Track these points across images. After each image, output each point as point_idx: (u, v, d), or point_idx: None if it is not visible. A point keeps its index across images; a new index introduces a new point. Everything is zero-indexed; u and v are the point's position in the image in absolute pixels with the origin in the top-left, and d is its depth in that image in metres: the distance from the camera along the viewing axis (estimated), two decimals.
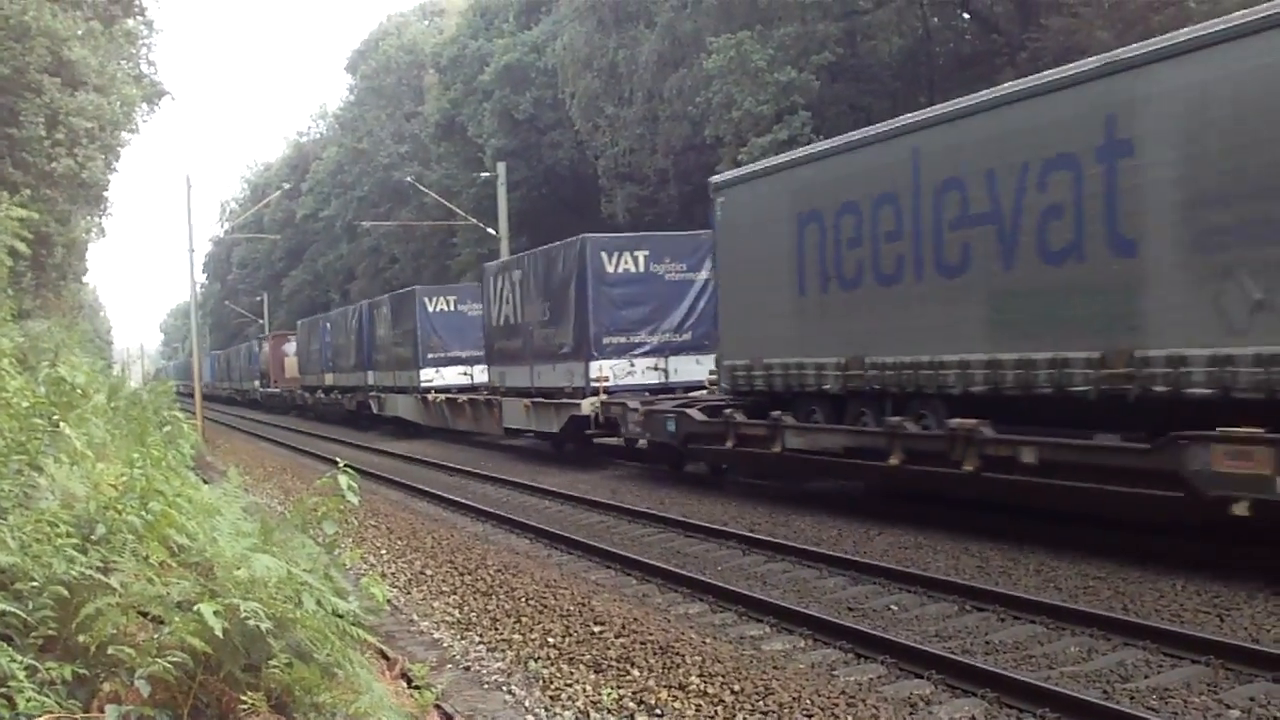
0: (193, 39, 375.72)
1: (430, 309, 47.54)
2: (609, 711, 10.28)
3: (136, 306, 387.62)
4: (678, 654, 11.65)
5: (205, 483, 11.03)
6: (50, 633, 6.33)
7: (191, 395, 57.30)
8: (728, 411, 24.20)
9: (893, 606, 13.89)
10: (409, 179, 72.87)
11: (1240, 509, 13.44)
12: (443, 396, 44.28)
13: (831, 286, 21.38)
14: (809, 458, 22.11)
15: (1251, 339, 13.54)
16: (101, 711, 5.83)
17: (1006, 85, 18.81)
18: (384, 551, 19.50)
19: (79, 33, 37.92)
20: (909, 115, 21.22)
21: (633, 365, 31.24)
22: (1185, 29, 15.51)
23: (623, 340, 31.29)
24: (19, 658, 5.82)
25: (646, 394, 29.86)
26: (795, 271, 22.16)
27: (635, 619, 13.29)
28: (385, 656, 10.63)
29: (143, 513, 7.23)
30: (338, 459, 9.66)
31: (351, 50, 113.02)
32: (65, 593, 6.43)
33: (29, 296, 37.47)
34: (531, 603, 14.60)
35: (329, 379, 63.57)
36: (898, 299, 19.65)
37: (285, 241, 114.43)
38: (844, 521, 19.81)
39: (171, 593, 6.56)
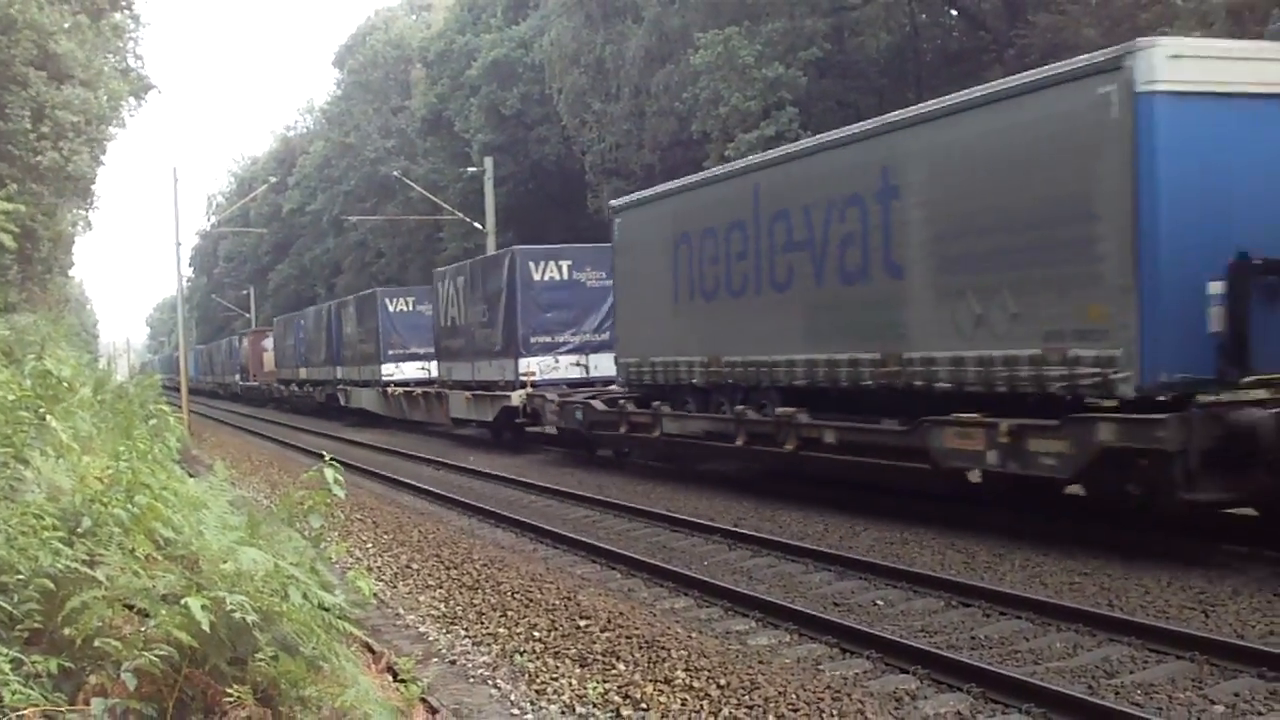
0: (180, 32, 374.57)
1: (391, 309, 51.24)
2: (594, 705, 10.28)
3: (123, 300, 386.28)
4: (663, 648, 11.66)
5: (191, 476, 11.01)
6: (36, 626, 6.33)
7: (178, 389, 57.28)
8: (622, 402, 29.03)
9: (879, 601, 13.91)
10: (396, 174, 72.73)
11: (973, 476, 18.20)
12: (400, 390, 48.34)
13: (697, 297, 25.69)
14: (682, 440, 26.50)
15: (975, 345, 17.54)
16: (87, 705, 5.83)
17: (822, 135, 23.60)
18: (370, 545, 19.48)
19: (65, 26, 37.87)
20: (755, 156, 26.91)
21: (557, 362, 35.14)
22: (933, 100, 20.62)
23: (548, 340, 35.25)
24: (5, 651, 5.82)
25: (565, 387, 33.67)
26: (672, 284, 26.49)
27: (621, 613, 13.30)
28: (371, 650, 10.62)
29: (129, 506, 7.22)
30: (323, 452, 9.66)
31: (339, 45, 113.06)
32: (51, 586, 6.43)
33: (15, 290, 37.46)
34: (517, 597, 14.61)
35: (302, 373, 67.33)
36: (744, 309, 23.85)
37: (271, 235, 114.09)
38: (830, 516, 19.83)
39: (157, 586, 6.55)
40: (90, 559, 6.73)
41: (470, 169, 61.06)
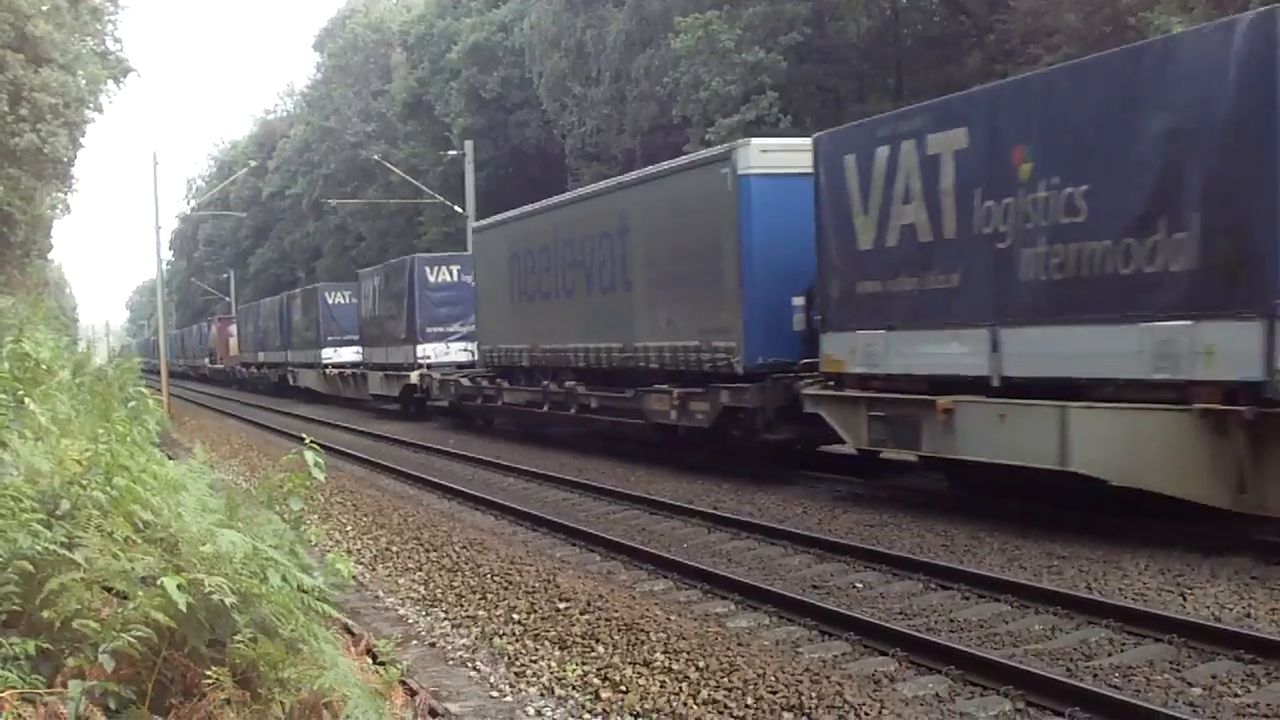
0: (159, 14, 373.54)
1: (330, 301, 57.92)
2: (574, 688, 10.30)
3: (103, 283, 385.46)
4: (642, 631, 11.68)
5: (171, 459, 11.00)
6: (14, 608, 6.32)
7: (156, 372, 57.50)
8: (481, 380, 37.39)
9: (857, 584, 13.94)
10: (376, 157, 72.61)
11: (667, 420, 25.60)
12: (335, 371, 55.55)
13: (524, 300, 34.01)
14: (515, 407, 35.06)
15: (667, 338, 25.33)
16: (65, 687, 5.81)
17: (589, 188, 33.98)
18: (350, 528, 19.48)
19: (44, 8, 37.71)
20: (555, 199, 35.66)
21: (448, 348, 42.82)
22: (650, 167, 29.85)
23: (440, 330, 43.07)
24: None
25: (453, 369, 41.53)
26: (509, 289, 34.95)
27: (600, 596, 13.32)
28: (350, 632, 10.62)
29: (107, 488, 7.20)
30: (304, 435, 9.65)
31: (319, 28, 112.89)
32: (29, 568, 6.41)
33: None
34: (497, 579, 14.62)
35: (260, 357, 74.44)
36: (550, 310, 32.14)
37: (251, 219, 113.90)
38: (809, 499, 19.89)
39: (136, 568, 6.55)
40: (69, 541, 6.71)
41: (450, 153, 61.05)
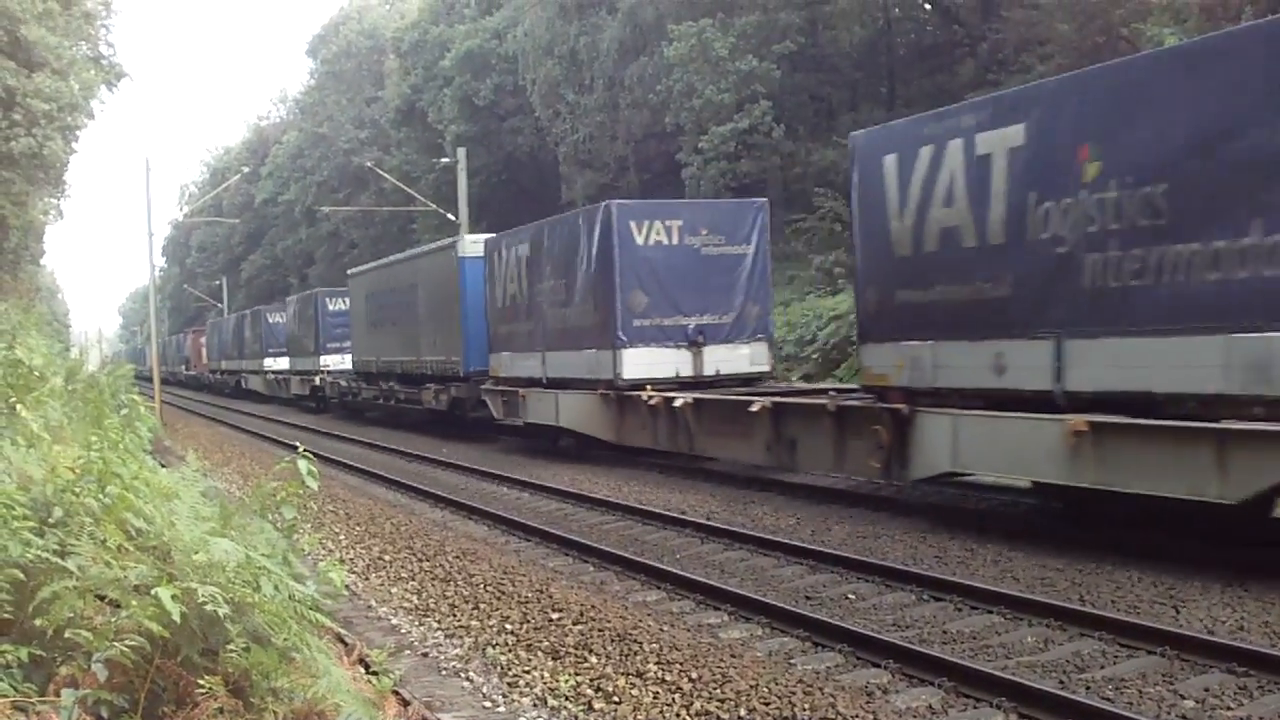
0: (152, 20, 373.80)
1: (270, 321, 70.37)
2: (566, 698, 10.29)
3: (95, 289, 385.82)
4: (635, 641, 11.67)
5: (163, 466, 10.98)
6: (6, 616, 6.31)
7: (148, 379, 57.82)
8: (352, 382, 51.14)
9: (850, 595, 13.92)
10: (369, 164, 72.53)
11: (440, 405, 39.13)
12: (273, 376, 68.90)
13: (373, 326, 47.17)
14: (371, 401, 48.06)
15: (432, 354, 38.71)
16: (58, 695, 5.80)
17: (402, 254, 47.78)
18: (343, 537, 19.45)
19: (37, 12, 37.63)
20: (388, 259, 49.19)
21: (343, 359, 54.11)
22: (425, 246, 48.94)
23: (338, 345, 55.18)
24: None
25: (346, 374, 53.15)
26: (365, 318, 48.43)
27: (593, 606, 13.31)
28: (343, 642, 10.61)
29: (100, 496, 7.20)
30: (297, 443, 9.63)
31: (312, 34, 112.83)
32: (22, 576, 6.40)
33: None
34: (490, 589, 14.60)
35: (223, 364, 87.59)
36: (385, 334, 45.15)
37: (244, 225, 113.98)
38: (802, 510, 19.86)
39: (129, 576, 6.53)
40: (61, 549, 6.71)
41: (443, 160, 61.02)
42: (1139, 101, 14.60)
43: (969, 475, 18.29)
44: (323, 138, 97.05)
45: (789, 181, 47.06)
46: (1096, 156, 14.86)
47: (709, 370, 26.96)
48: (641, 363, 26.64)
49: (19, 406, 10.12)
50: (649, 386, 26.00)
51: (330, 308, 56.77)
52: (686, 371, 26.85)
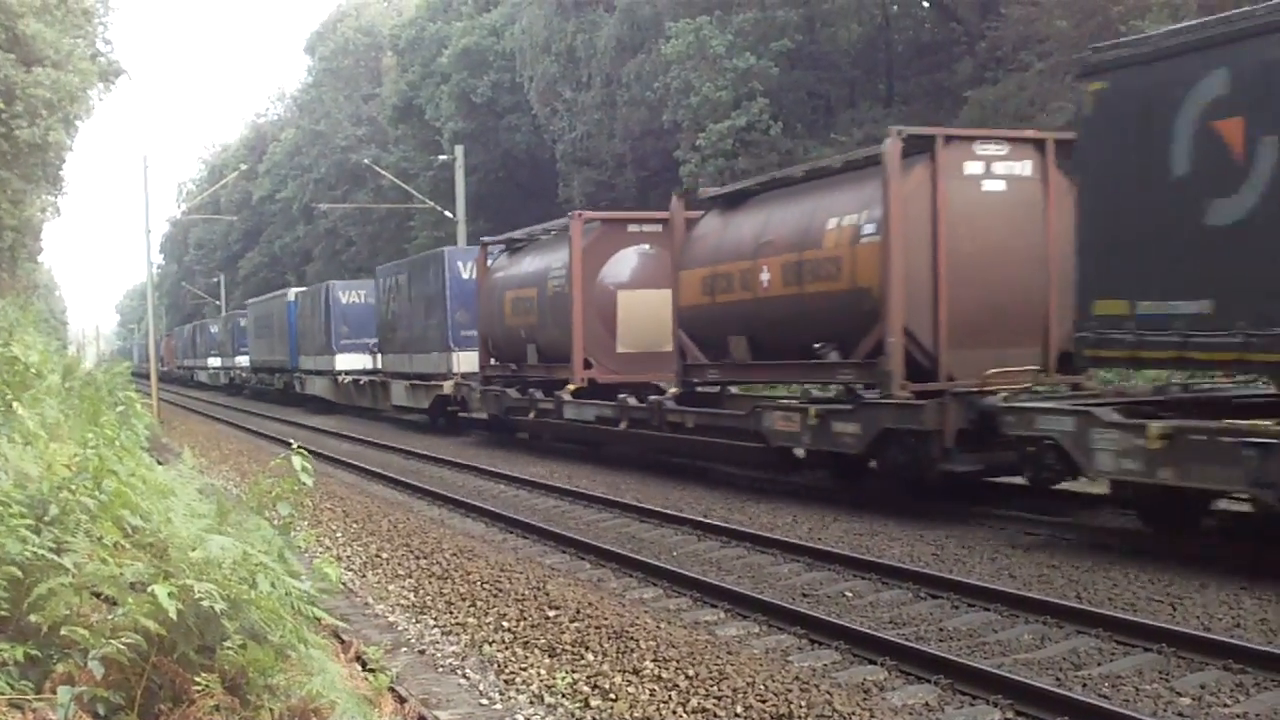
0: (150, 17, 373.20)
1: (212, 330, 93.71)
2: (563, 696, 10.28)
3: (93, 287, 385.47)
4: (632, 639, 11.66)
5: (160, 464, 10.98)
6: (2, 614, 6.29)
7: (144, 376, 58.22)
8: (253, 373, 69.80)
9: (847, 593, 13.92)
10: (366, 161, 72.67)
11: (315, 391, 56.22)
12: (216, 370, 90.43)
13: (261, 335, 64.07)
14: (260, 386, 67.04)
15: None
16: (54, 693, 5.79)
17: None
18: (339, 534, 19.44)
19: (34, 7, 37.63)
20: (294, 290, 64.13)
21: (245, 358, 68.35)
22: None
23: (245, 348, 71.75)
24: None
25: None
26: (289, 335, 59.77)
27: (590, 603, 13.30)
28: (340, 639, 10.61)
29: (96, 493, 7.19)
30: (291, 440, 9.63)
31: (310, 32, 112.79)
32: (18, 573, 6.39)
33: None
34: (486, 586, 14.59)
35: (186, 361, 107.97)
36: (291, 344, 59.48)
37: (242, 223, 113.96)
38: (799, 508, 19.86)
39: (125, 574, 6.52)
40: (57, 546, 6.69)
41: (441, 157, 61.08)
42: None
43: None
44: (320, 135, 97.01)
45: None
46: None
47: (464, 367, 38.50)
48: (465, 362, 38.10)
49: (15, 404, 10.11)
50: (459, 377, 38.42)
51: (241, 324, 78.35)
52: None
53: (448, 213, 54.63)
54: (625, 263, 29.32)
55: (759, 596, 13.43)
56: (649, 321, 28.16)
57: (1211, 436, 13.51)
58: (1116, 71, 15.42)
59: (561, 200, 58.84)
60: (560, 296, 29.54)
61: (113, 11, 55.82)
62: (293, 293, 62.13)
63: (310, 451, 9.29)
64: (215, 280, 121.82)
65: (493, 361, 34.76)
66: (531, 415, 30.77)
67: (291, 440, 11.02)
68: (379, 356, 47.78)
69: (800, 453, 21.36)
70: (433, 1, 76.11)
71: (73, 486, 7.32)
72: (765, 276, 21.91)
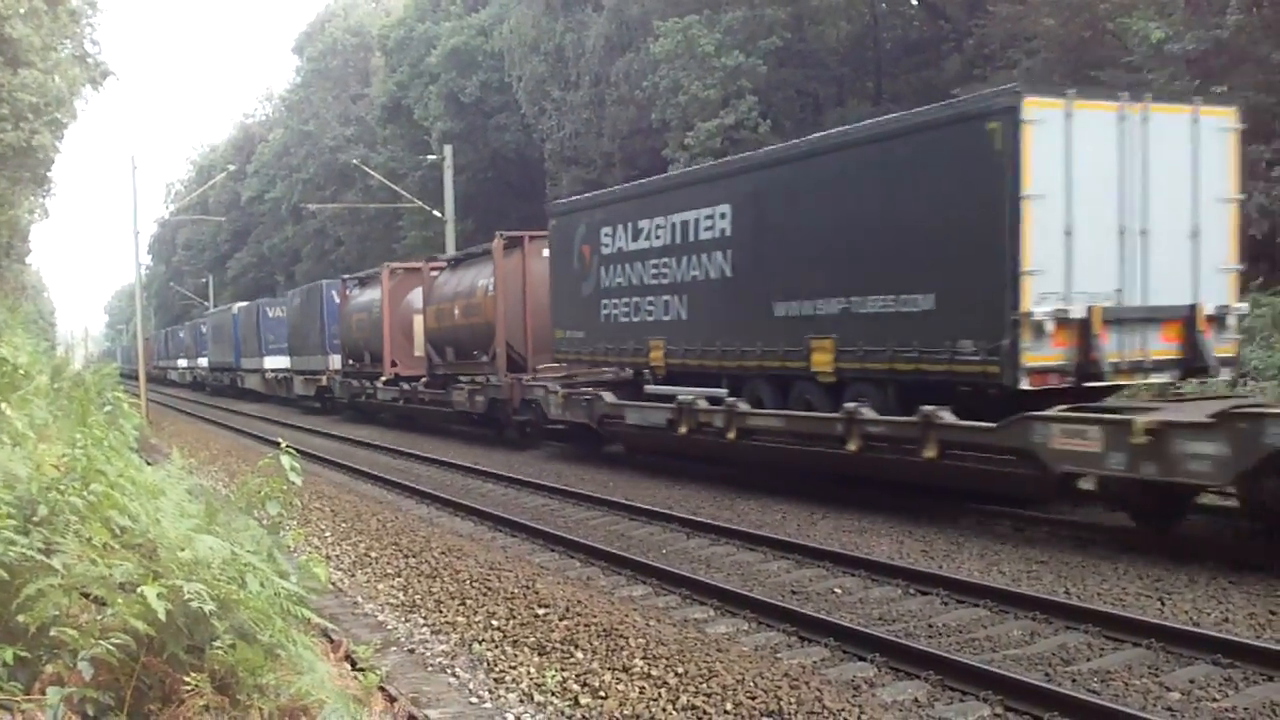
0: (137, 17, 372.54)
1: (181, 335, 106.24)
2: (553, 694, 10.28)
3: (81, 288, 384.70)
4: (622, 637, 11.67)
5: (149, 464, 10.97)
6: None
7: (132, 377, 58.56)
8: (210, 371, 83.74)
9: (836, 590, 13.93)
10: (355, 161, 72.62)
11: (251, 385, 70.41)
12: (183, 370, 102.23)
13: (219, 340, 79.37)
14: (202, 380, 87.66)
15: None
16: (43, 694, 5.80)
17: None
18: (328, 534, 19.42)
19: (21, 11, 37.53)
20: (237, 305, 78.81)
21: (205, 359, 79.16)
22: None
23: (205, 351, 76.64)
24: None
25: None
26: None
27: (579, 602, 13.30)
28: (329, 638, 10.59)
29: (85, 494, 7.19)
30: (280, 440, 9.63)
31: (298, 32, 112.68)
32: (6, 575, 6.39)
33: None
34: (476, 585, 14.59)
35: (161, 363, 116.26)
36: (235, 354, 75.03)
37: (230, 223, 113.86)
38: (788, 505, 19.87)
39: (114, 574, 6.53)
40: (46, 547, 6.70)
41: (429, 157, 61.03)
42: None
43: None
44: (309, 135, 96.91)
45: None
46: None
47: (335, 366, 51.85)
48: (335, 363, 51.35)
49: (4, 405, 10.10)
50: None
51: (203, 330, 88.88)
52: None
53: (436, 212, 54.59)
54: (419, 295, 41.32)
55: (748, 594, 13.45)
56: None
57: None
58: (558, 216, 30.86)
59: (550, 199, 58.70)
60: (380, 319, 44.49)
61: (100, 13, 55.81)
62: (236, 307, 76.74)
63: (298, 451, 9.28)
64: (204, 281, 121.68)
65: (350, 362, 49.21)
66: (363, 397, 46.33)
67: (280, 439, 11.00)
68: (291, 359, 61.73)
69: (474, 412, 34.86)
70: (421, 2, 75.97)
71: (61, 487, 7.33)
72: (456, 312, 36.48)
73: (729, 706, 9.61)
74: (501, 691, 10.47)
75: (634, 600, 13.96)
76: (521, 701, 10.19)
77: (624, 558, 15.94)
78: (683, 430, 23.31)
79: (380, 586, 15.25)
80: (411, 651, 11.99)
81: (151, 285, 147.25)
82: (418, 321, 41.06)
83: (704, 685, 10.08)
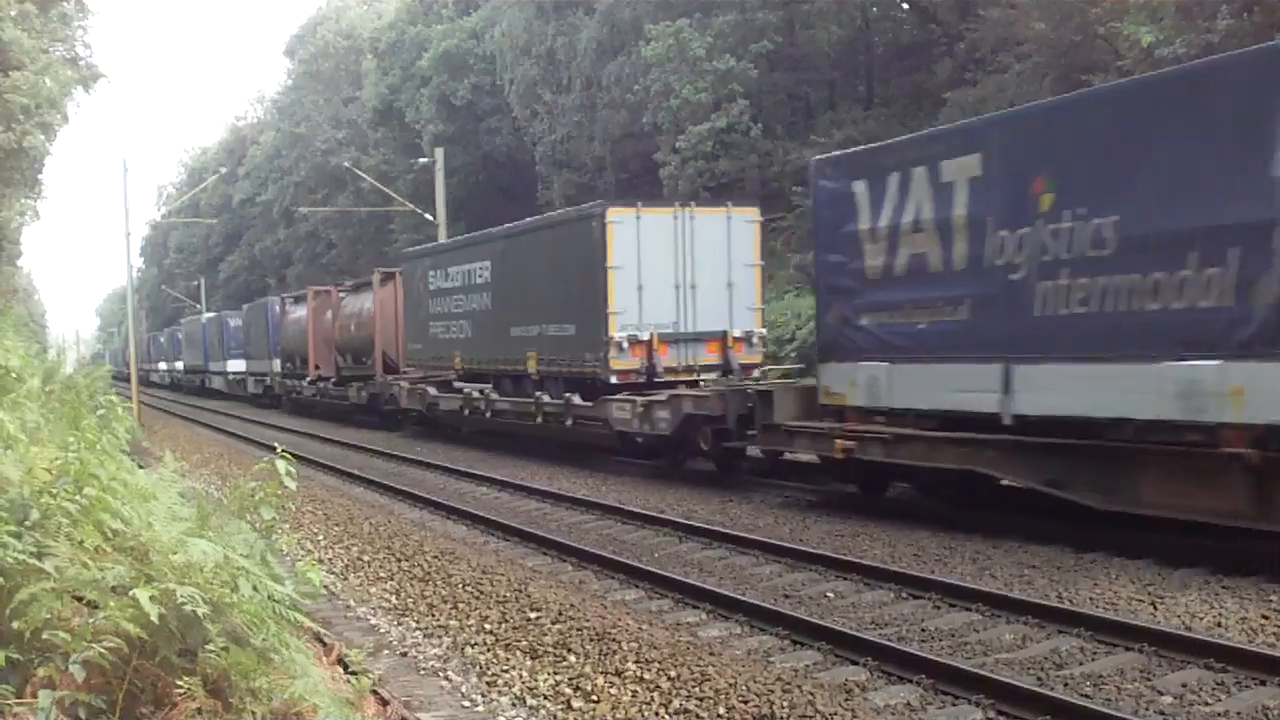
0: (129, 20, 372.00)
1: (160, 340, 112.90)
2: (545, 697, 10.29)
3: (73, 291, 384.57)
4: (614, 640, 11.67)
5: (141, 467, 10.95)
6: None
7: (124, 379, 58.95)
8: (185, 373, 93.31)
9: (829, 594, 13.94)
10: (346, 164, 72.45)
11: (216, 385, 79.25)
12: (165, 371, 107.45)
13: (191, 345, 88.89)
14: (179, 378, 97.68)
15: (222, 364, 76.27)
16: (34, 697, 5.78)
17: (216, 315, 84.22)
18: (321, 538, 19.42)
19: (12, 13, 37.43)
20: (206, 314, 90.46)
21: (180, 362, 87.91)
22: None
23: (179, 355, 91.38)
24: None
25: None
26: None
27: (572, 605, 13.30)
28: (322, 642, 10.58)
29: (77, 497, 7.17)
30: (276, 444, 9.62)
31: (289, 34, 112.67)
32: None
33: None
34: (468, 589, 14.60)
35: (144, 365, 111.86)
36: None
37: (222, 226, 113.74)
38: (780, 509, 19.90)
39: (107, 577, 6.51)
40: (38, 551, 6.67)
41: (421, 160, 60.99)
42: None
43: None
44: (300, 138, 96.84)
45: (767, 180, 46.99)
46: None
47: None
48: (279, 366, 59.33)
49: None
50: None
51: (180, 336, 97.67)
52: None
53: (428, 215, 54.53)
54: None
55: (741, 598, 13.46)
56: None
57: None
58: (407, 260, 41.01)
59: (542, 203, 58.76)
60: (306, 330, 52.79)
61: (92, 15, 55.64)
62: (205, 317, 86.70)
63: (292, 454, 9.27)
64: (196, 284, 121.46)
65: (287, 365, 57.46)
66: (295, 394, 56.32)
67: (276, 444, 11.00)
68: (246, 362, 69.75)
69: (360, 403, 45.37)
70: (413, 5, 75.96)
71: (54, 491, 7.30)
72: (352, 327, 46.06)
73: (721, 710, 9.61)
74: (494, 695, 10.47)
75: (627, 604, 13.96)
76: (514, 705, 10.20)
77: (617, 561, 15.95)
78: (466, 412, 33.82)
79: (373, 590, 15.26)
80: (404, 655, 11.99)
81: (143, 288, 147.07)
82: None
83: (697, 689, 10.08)
